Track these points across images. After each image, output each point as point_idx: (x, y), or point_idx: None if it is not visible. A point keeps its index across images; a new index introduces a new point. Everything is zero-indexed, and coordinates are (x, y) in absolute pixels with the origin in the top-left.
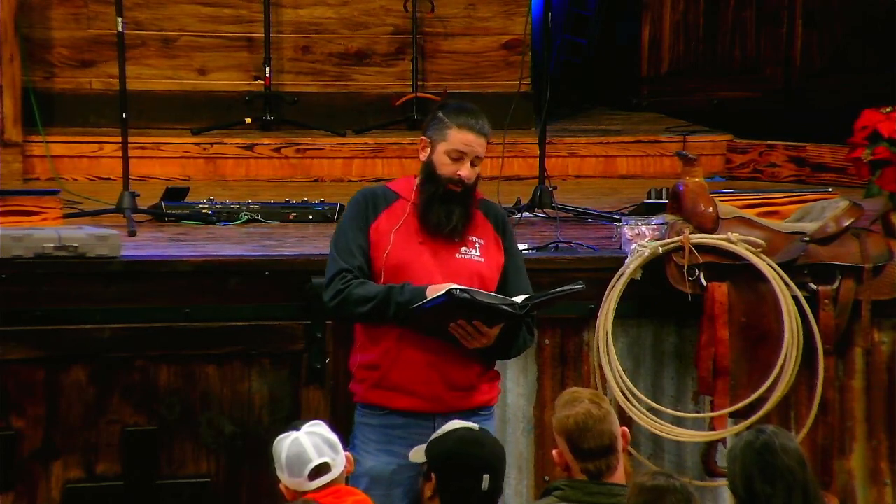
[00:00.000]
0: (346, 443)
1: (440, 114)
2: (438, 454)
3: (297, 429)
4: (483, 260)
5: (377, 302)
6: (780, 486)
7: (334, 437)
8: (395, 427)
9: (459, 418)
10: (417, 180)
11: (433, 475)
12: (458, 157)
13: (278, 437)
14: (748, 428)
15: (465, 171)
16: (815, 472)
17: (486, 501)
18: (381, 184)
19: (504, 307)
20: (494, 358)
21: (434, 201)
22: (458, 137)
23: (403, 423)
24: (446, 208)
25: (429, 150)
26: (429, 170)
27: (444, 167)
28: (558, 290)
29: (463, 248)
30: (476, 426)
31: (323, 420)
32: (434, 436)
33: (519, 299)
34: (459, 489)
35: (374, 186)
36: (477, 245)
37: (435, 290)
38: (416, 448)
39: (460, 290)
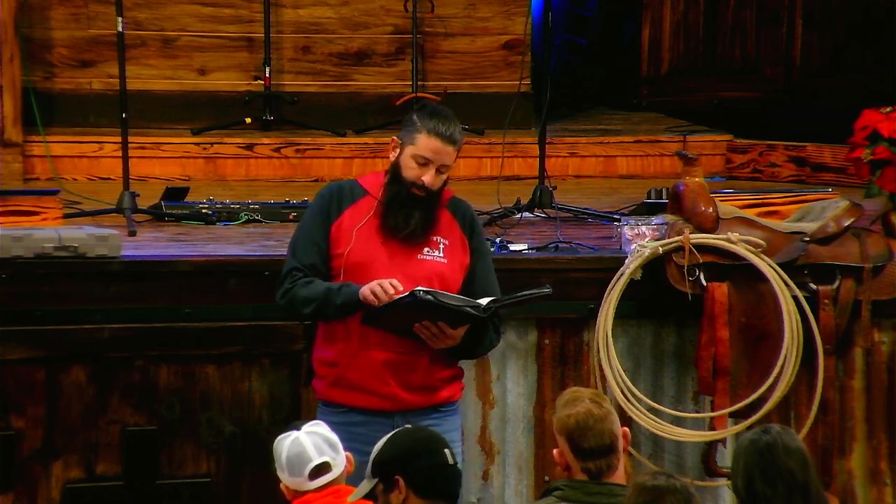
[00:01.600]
0: None
1: (414, 116)
2: (396, 456)
3: (298, 428)
4: (446, 261)
5: (318, 304)
6: (781, 486)
7: (335, 437)
8: (356, 425)
9: (420, 415)
10: (385, 180)
11: (398, 478)
12: (423, 162)
13: (279, 437)
14: (750, 428)
15: (428, 177)
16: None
17: (457, 475)
18: (353, 178)
19: (468, 309)
20: (460, 358)
21: (395, 203)
22: (426, 143)
23: (363, 420)
24: (406, 212)
25: (398, 150)
26: (395, 171)
27: (409, 170)
28: (524, 293)
29: (426, 249)
30: (408, 426)
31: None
32: (377, 452)
33: (484, 301)
34: (431, 472)
35: (343, 181)
36: (441, 246)
37: (363, 293)
38: (356, 491)
39: (424, 291)
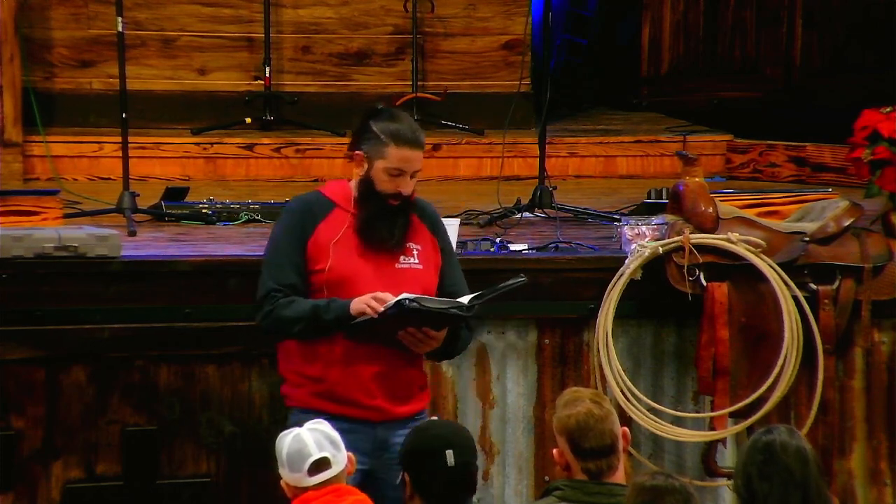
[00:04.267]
0: None
1: (374, 128)
2: (404, 454)
3: (300, 425)
4: (422, 267)
5: (306, 323)
6: (777, 483)
7: (336, 435)
8: (339, 432)
9: (397, 426)
10: (354, 193)
11: (405, 476)
12: (397, 174)
13: (280, 434)
14: (749, 428)
15: (405, 187)
16: None
17: (459, 477)
18: (315, 190)
19: (453, 311)
20: (440, 359)
21: (376, 219)
22: (397, 155)
23: (347, 428)
24: (388, 223)
25: (365, 165)
26: (367, 187)
27: (384, 184)
28: (502, 285)
29: (402, 258)
30: (434, 418)
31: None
32: (401, 448)
33: (465, 299)
34: (427, 472)
35: (307, 195)
36: (415, 252)
37: (357, 307)
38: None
39: (409, 299)
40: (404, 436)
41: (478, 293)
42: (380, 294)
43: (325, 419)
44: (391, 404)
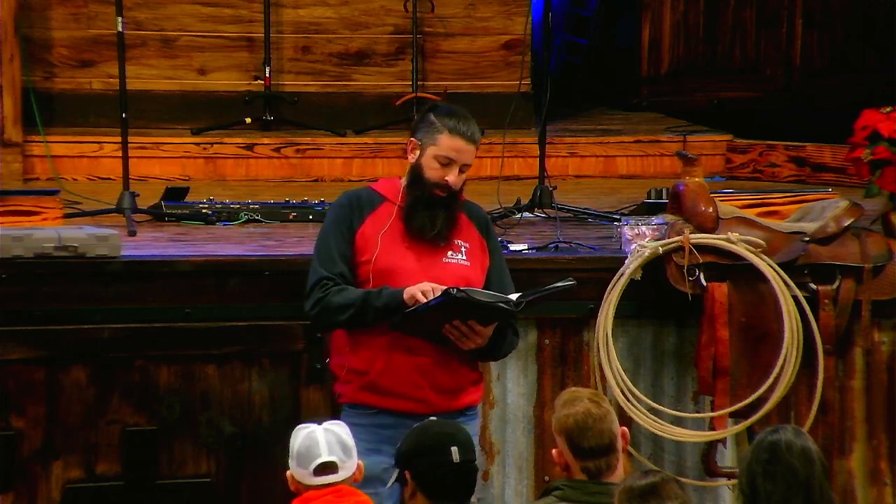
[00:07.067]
0: None
1: (432, 116)
2: (405, 453)
3: (319, 423)
4: (469, 263)
5: (356, 309)
6: (780, 483)
7: (350, 442)
8: (385, 427)
9: (447, 419)
10: (404, 182)
11: (407, 475)
12: (446, 162)
13: (298, 426)
14: (750, 428)
15: (452, 177)
16: None
17: (463, 475)
18: (365, 185)
19: (500, 304)
20: (484, 359)
21: (419, 206)
22: (449, 143)
23: (393, 422)
24: (430, 213)
25: (418, 152)
26: (416, 173)
27: (432, 171)
28: (551, 286)
29: (449, 252)
30: (433, 417)
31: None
32: (398, 445)
33: (514, 296)
34: (432, 470)
35: (357, 189)
36: (463, 249)
37: (411, 293)
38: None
39: (458, 290)
40: None
41: (526, 292)
42: (432, 285)
43: (372, 413)
44: (439, 396)
